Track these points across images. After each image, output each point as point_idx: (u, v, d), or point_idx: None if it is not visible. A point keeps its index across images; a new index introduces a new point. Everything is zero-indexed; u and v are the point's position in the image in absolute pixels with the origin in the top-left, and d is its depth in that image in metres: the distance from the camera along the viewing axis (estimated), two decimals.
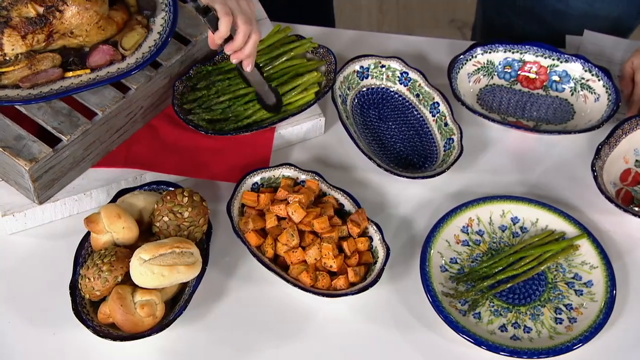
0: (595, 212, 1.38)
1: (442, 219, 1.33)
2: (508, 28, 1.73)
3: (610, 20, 1.63)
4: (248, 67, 1.28)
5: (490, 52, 1.53)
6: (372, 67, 1.50)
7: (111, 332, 1.17)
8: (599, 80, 1.49)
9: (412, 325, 1.24)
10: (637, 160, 1.44)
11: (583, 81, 1.51)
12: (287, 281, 1.23)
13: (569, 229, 1.34)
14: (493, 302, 1.26)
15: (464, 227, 1.34)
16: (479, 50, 1.53)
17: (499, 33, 1.72)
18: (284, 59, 1.45)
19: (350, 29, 1.66)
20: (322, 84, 1.46)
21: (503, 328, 1.24)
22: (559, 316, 1.25)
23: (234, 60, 1.27)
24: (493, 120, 1.44)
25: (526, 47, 1.53)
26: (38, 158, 1.25)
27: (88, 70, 1.33)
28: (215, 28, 1.24)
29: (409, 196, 1.39)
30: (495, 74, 1.54)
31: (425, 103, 1.47)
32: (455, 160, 1.38)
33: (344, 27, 1.82)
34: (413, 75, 1.49)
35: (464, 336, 1.20)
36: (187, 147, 1.39)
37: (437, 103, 1.46)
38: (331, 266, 1.25)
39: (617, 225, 1.36)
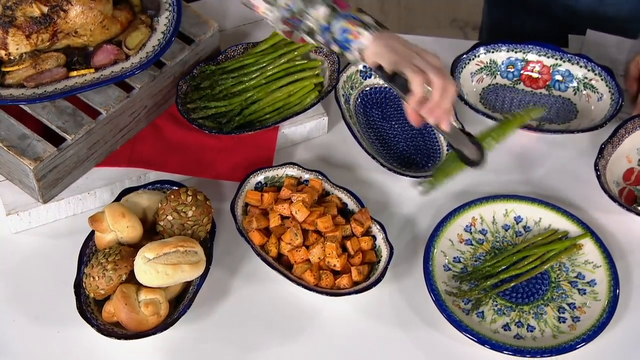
0: (598, 211, 1.38)
1: (445, 218, 1.33)
2: (516, 27, 1.73)
3: (619, 19, 1.63)
4: (446, 126, 1.12)
5: (493, 52, 1.54)
6: None
7: (115, 330, 1.17)
8: (602, 79, 1.49)
9: (415, 324, 1.24)
10: None
11: (586, 81, 1.51)
12: (291, 280, 1.24)
13: (572, 228, 1.34)
14: (496, 301, 1.27)
15: (467, 226, 1.34)
16: (481, 49, 1.53)
17: (505, 31, 1.72)
18: (286, 58, 1.46)
19: None
20: (325, 84, 1.46)
21: (506, 327, 1.24)
22: (562, 315, 1.26)
23: (431, 120, 1.12)
24: (496, 120, 1.45)
25: (529, 46, 1.53)
26: (42, 157, 1.25)
27: (92, 70, 1.33)
28: (406, 91, 1.12)
29: (412, 195, 1.39)
30: (498, 73, 1.54)
31: None
32: None
33: None
34: None
35: (467, 335, 1.20)
36: (191, 146, 1.39)
37: None
38: (335, 265, 1.25)
39: (620, 224, 1.36)
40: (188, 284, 1.23)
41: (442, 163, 1.20)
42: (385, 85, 1.51)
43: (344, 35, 1.15)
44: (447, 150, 1.21)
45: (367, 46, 1.14)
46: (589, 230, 1.33)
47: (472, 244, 1.33)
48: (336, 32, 1.15)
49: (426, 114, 1.12)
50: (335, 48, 1.18)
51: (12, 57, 1.30)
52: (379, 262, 1.27)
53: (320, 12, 1.16)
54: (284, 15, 1.18)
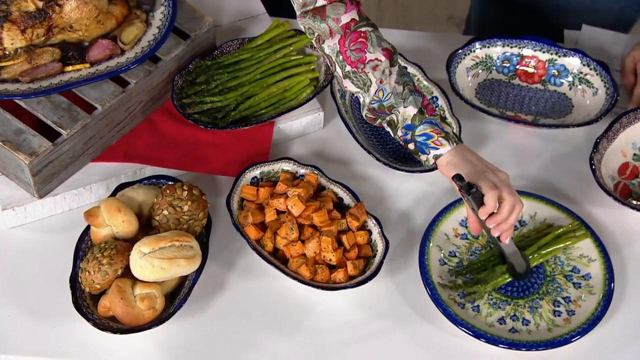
0: (593, 205, 1.38)
1: (441, 213, 1.33)
2: (507, 23, 1.73)
3: (612, 14, 1.63)
4: (507, 239, 1.21)
5: (488, 47, 1.54)
6: None
7: (111, 325, 1.17)
8: (597, 74, 1.50)
9: (411, 318, 1.25)
10: (635, 154, 1.44)
11: (581, 75, 1.51)
12: (287, 274, 1.24)
13: (567, 222, 1.34)
14: (492, 295, 1.27)
15: (462, 220, 1.34)
16: (477, 44, 1.53)
17: (498, 27, 1.72)
18: (281, 53, 1.46)
19: None
20: (320, 79, 1.46)
21: (502, 320, 1.24)
22: (557, 309, 1.26)
23: (495, 232, 1.20)
24: (492, 115, 1.45)
25: (525, 41, 1.53)
26: (38, 152, 1.25)
27: (87, 65, 1.33)
28: (479, 204, 1.18)
29: (407, 190, 1.39)
30: (494, 68, 1.54)
31: None
32: None
33: None
34: (412, 69, 1.50)
35: (462, 329, 1.21)
36: (187, 141, 1.39)
37: (436, 97, 1.47)
38: (330, 259, 1.26)
39: (615, 218, 1.37)
40: (184, 279, 1.24)
41: (490, 274, 1.27)
42: None
43: (425, 140, 1.21)
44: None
45: (444, 155, 1.21)
46: (584, 224, 1.33)
47: (467, 239, 1.33)
48: (418, 134, 1.21)
49: (492, 225, 1.19)
50: (411, 146, 1.23)
51: (7, 52, 1.30)
52: (374, 256, 1.27)
53: (409, 111, 1.22)
54: (371, 105, 1.23)
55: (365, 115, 1.26)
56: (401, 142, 1.25)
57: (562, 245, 1.30)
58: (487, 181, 1.18)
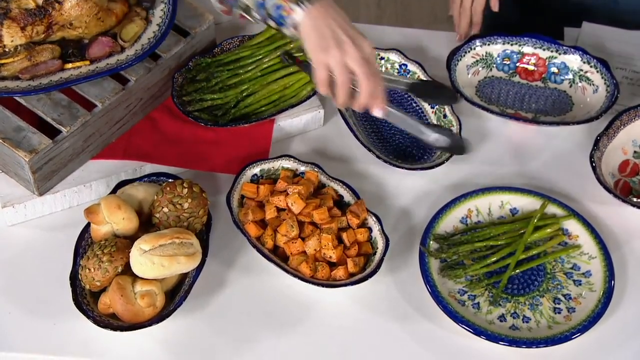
0: (593, 203, 1.38)
1: (441, 210, 1.33)
2: (524, 26, 1.70)
3: (637, 15, 1.60)
4: (376, 112, 1.12)
5: (488, 44, 1.54)
6: None
7: (111, 322, 1.17)
8: (597, 71, 1.50)
9: (411, 315, 1.25)
10: (635, 151, 1.44)
11: (581, 73, 1.51)
12: (287, 272, 1.24)
13: (567, 221, 1.34)
14: (492, 292, 1.27)
15: (463, 218, 1.34)
16: (477, 42, 1.53)
17: (501, 25, 1.71)
18: (282, 51, 1.46)
19: None
20: None
21: (502, 318, 1.24)
22: (557, 306, 1.26)
23: (374, 112, 1.14)
24: (492, 112, 1.45)
25: (525, 39, 1.53)
26: (38, 149, 1.25)
27: (87, 62, 1.33)
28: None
29: (408, 187, 1.39)
30: (494, 66, 1.54)
31: None
32: None
33: None
34: (412, 67, 1.50)
35: (463, 326, 1.21)
36: (187, 139, 1.39)
37: None
38: (330, 257, 1.26)
39: (615, 215, 1.37)
40: (184, 276, 1.23)
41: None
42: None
43: (278, 11, 1.12)
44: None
45: (299, 23, 1.12)
46: (584, 222, 1.33)
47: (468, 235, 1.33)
48: (270, 8, 1.13)
49: (359, 110, 1.14)
50: (273, 24, 1.14)
51: (6, 50, 1.30)
52: (374, 253, 1.27)
53: None
54: None
55: (221, 11, 1.16)
56: (266, 24, 1.16)
57: (549, 230, 1.30)
58: (322, 61, 1.09)
